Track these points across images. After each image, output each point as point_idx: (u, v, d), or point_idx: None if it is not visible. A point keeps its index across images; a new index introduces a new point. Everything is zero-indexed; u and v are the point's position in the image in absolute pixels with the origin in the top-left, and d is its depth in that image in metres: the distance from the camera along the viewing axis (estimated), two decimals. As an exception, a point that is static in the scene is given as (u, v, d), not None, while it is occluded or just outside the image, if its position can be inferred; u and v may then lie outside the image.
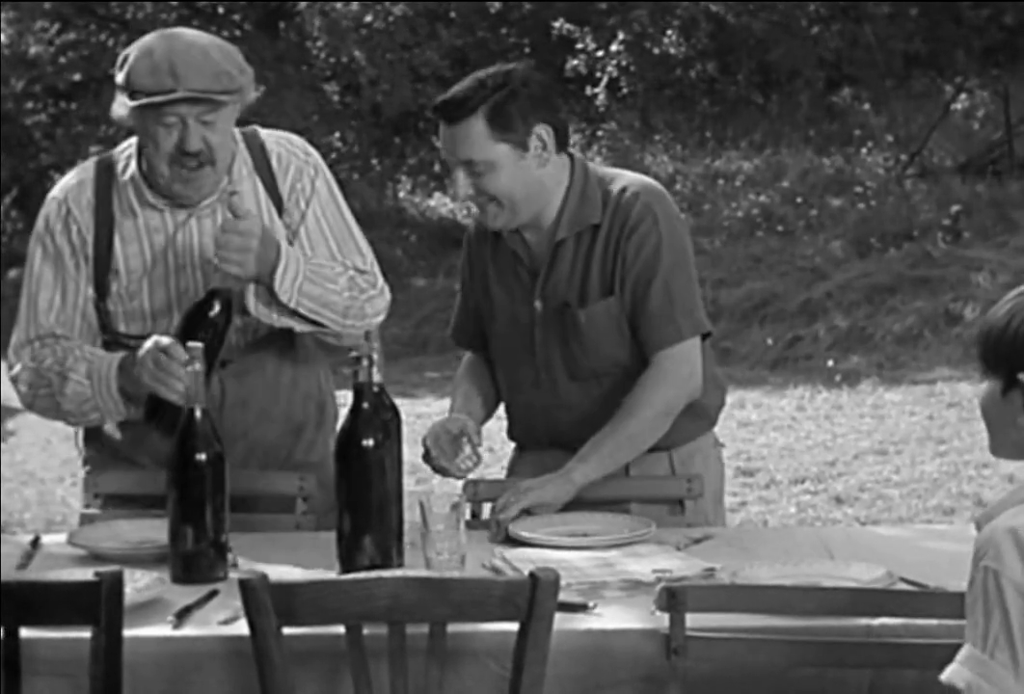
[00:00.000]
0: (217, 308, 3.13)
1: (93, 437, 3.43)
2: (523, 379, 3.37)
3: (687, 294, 3.28)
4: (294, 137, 3.44)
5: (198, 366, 2.86)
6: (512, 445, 3.57)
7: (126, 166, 3.32)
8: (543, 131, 3.19)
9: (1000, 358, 2.11)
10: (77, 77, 16.73)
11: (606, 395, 3.30)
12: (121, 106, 3.22)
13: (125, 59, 3.19)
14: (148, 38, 3.22)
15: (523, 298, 3.33)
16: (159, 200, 3.29)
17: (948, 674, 1.99)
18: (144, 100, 3.15)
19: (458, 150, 3.18)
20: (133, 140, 3.34)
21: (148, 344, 3.08)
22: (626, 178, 3.33)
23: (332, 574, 2.81)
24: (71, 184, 3.34)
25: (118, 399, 3.19)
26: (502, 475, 3.64)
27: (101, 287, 3.30)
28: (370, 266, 3.38)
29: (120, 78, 3.20)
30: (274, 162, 3.36)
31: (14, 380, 3.30)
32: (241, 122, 3.32)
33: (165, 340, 3.06)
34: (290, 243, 3.30)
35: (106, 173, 3.33)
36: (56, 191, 3.36)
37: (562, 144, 3.25)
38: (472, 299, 3.48)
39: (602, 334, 3.28)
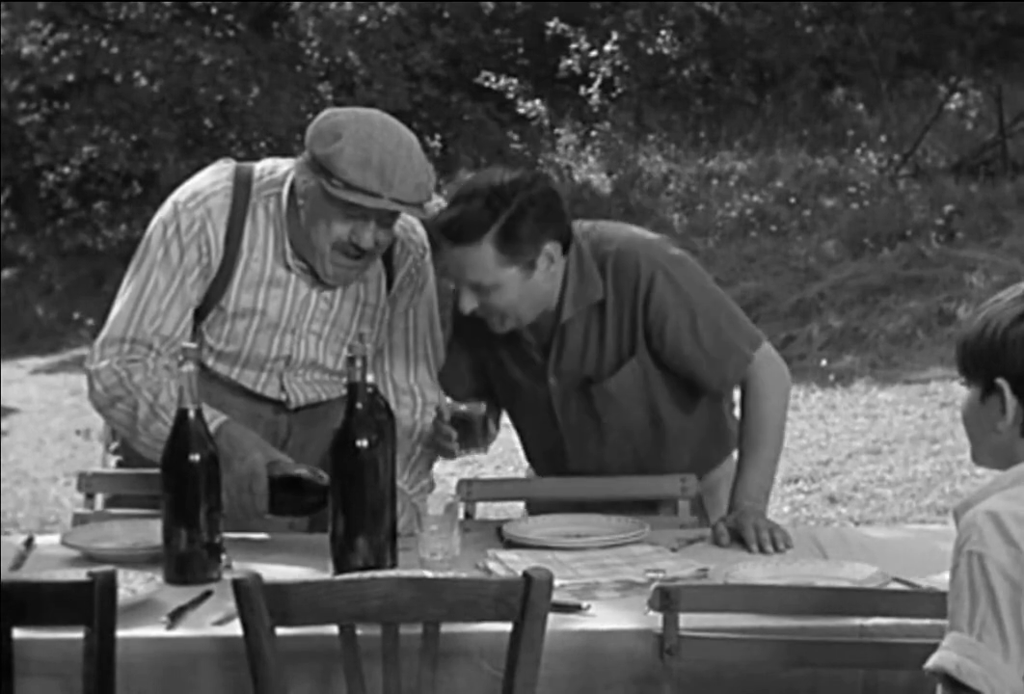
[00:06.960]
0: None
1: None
2: (549, 444, 3.36)
3: (726, 319, 3.22)
4: (418, 226, 3.33)
5: (191, 366, 2.86)
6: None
7: (267, 205, 3.19)
8: (551, 247, 3.08)
9: (977, 364, 2.12)
10: (70, 77, 16.69)
11: (636, 447, 3.32)
12: (308, 176, 3.06)
13: (336, 136, 3.01)
14: (361, 122, 3.04)
15: (538, 375, 3.27)
16: (297, 263, 3.19)
17: (934, 660, 1.98)
18: (343, 194, 3.01)
19: (465, 274, 3.07)
20: (279, 174, 3.20)
21: (254, 462, 3.00)
22: (613, 239, 3.21)
23: (326, 575, 2.81)
24: (209, 201, 3.17)
25: None
26: (497, 475, 3.63)
27: (200, 313, 3.20)
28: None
29: (321, 151, 3.03)
30: (396, 248, 3.28)
31: (94, 374, 3.16)
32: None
33: (263, 483, 3.00)
34: (389, 332, 3.29)
35: (243, 198, 3.18)
36: (189, 200, 3.19)
37: (567, 248, 3.14)
38: (467, 359, 3.37)
39: (633, 398, 3.25)
